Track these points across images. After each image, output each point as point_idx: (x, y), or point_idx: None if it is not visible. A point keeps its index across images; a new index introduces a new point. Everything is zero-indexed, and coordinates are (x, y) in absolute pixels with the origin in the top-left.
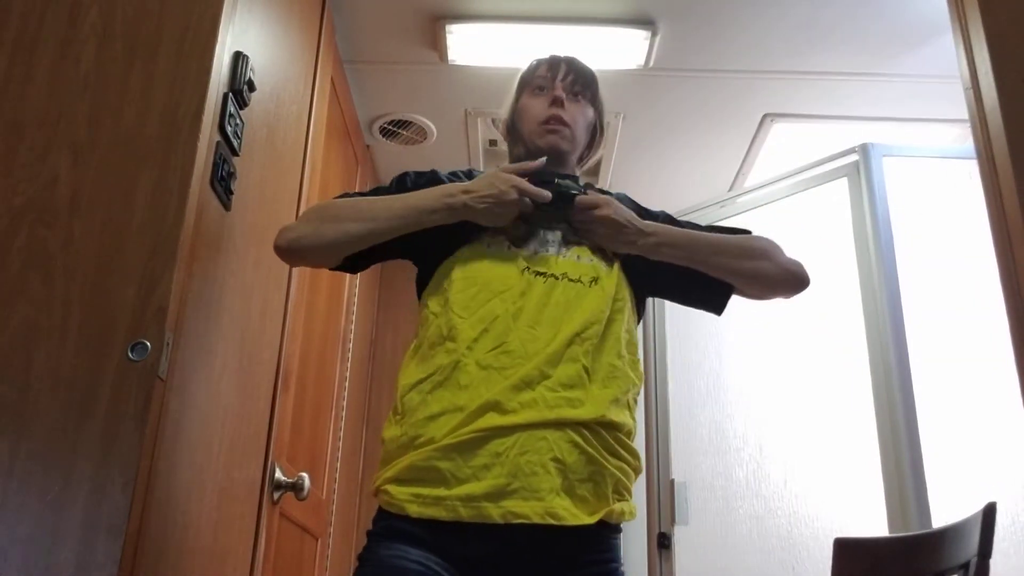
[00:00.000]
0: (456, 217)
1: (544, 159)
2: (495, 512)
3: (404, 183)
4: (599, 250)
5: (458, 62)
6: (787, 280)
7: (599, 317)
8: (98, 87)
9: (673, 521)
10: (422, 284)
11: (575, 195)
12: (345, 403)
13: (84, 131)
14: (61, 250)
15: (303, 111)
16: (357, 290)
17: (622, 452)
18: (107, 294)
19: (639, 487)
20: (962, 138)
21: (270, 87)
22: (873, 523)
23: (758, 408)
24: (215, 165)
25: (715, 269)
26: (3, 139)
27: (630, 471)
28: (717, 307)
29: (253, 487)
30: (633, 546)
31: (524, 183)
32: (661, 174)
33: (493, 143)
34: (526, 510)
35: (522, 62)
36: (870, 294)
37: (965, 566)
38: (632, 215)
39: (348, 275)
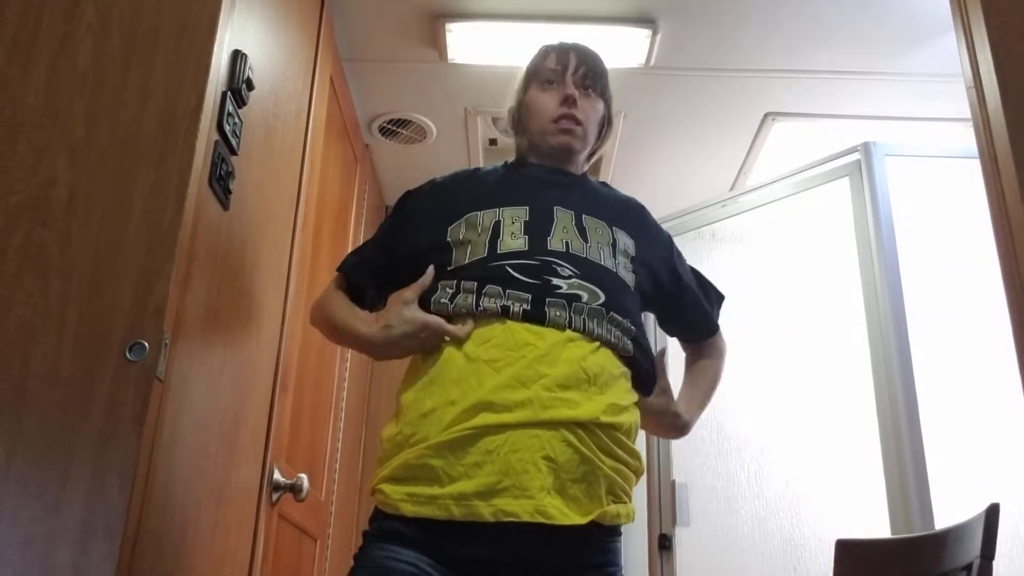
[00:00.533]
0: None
1: (431, 270)
2: (486, 510)
3: (402, 208)
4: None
5: (458, 61)
6: None
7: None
8: (95, 86)
9: (674, 522)
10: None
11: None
12: (344, 404)
13: (81, 130)
14: (58, 250)
15: (302, 110)
16: None
17: (619, 452)
18: (104, 294)
19: (640, 488)
20: (965, 137)
21: (269, 86)
22: (875, 524)
23: (760, 409)
24: (213, 164)
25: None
26: (0, 138)
27: (628, 472)
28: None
29: (251, 488)
30: (634, 547)
31: (441, 326)
32: (662, 173)
33: (493, 142)
34: (516, 508)
35: (523, 61)
36: (872, 294)
37: (968, 567)
38: (671, 412)
39: None
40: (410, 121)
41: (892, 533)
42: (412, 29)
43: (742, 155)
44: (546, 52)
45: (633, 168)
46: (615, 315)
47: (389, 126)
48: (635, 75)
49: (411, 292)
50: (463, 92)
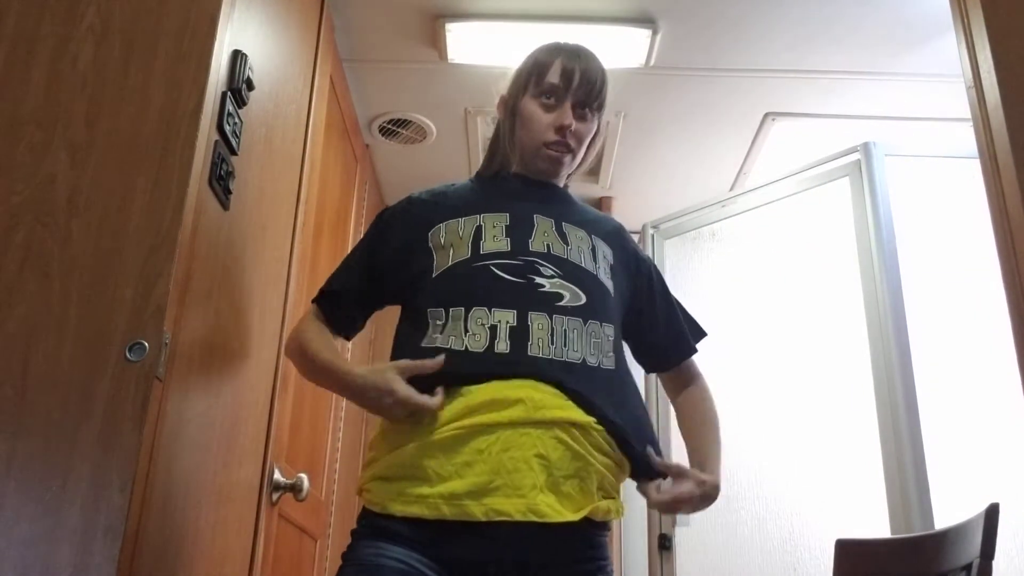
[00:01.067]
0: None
1: (442, 357)
2: (477, 510)
3: (379, 224)
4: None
5: (458, 61)
6: None
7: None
8: (96, 86)
9: (674, 522)
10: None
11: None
12: (344, 403)
13: (82, 130)
14: (59, 250)
15: (302, 110)
16: None
17: (610, 450)
18: (105, 294)
19: None
20: (965, 137)
21: (269, 86)
22: (875, 524)
23: (760, 409)
24: (213, 164)
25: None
26: (1, 138)
27: (617, 469)
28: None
29: (252, 488)
30: (634, 547)
31: (409, 398)
32: (662, 174)
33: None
34: (508, 507)
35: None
36: (872, 294)
37: (968, 567)
38: (699, 483)
39: None
40: (410, 121)
41: (892, 533)
42: (412, 29)
43: (742, 155)
44: (550, 59)
45: (633, 168)
46: (594, 322)
47: (389, 126)
48: (635, 75)
49: (408, 364)
50: (463, 92)
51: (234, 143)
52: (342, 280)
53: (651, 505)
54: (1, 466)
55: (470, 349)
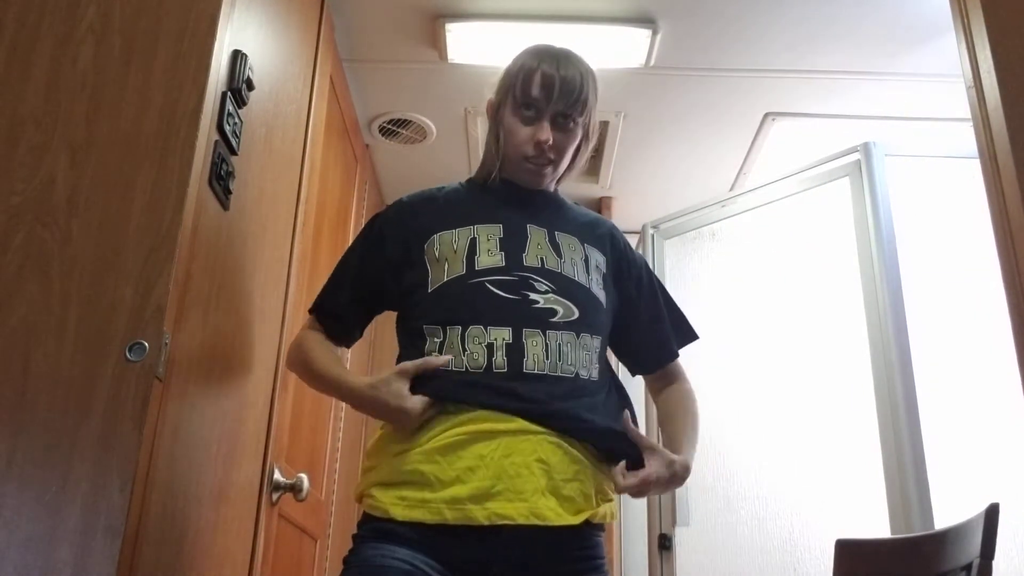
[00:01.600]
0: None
1: (448, 357)
2: (480, 514)
3: (372, 230)
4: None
5: (458, 61)
6: None
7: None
8: (96, 86)
9: (674, 522)
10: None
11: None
12: (344, 403)
13: (82, 130)
14: (59, 250)
15: (302, 110)
16: None
17: (600, 453)
18: (105, 294)
19: None
20: (965, 137)
21: (269, 86)
22: (875, 524)
23: (760, 409)
24: (213, 164)
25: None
26: (1, 138)
27: (610, 473)
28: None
29: (252, 488)
30: (634, 547)
31: (411, 407)
32: (661, 174)
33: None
34: (510, 511)
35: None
36: (872, 294)
37: (968, 567)
38: (668, 463)
39: None
40: (410, 121)
41: (892, 533)
42: (412, 29)
43: (742, 155)
44: (531, 69)
45: (632, 169)
46: (585, 335)
47: (389, 126)
48: (635, 75)
49: (412, 366)
50: (463, 92)
51: (234, 143)
52: (336, 296)
53: (619, 489)
54: (1, 466)
55: (470, 369)
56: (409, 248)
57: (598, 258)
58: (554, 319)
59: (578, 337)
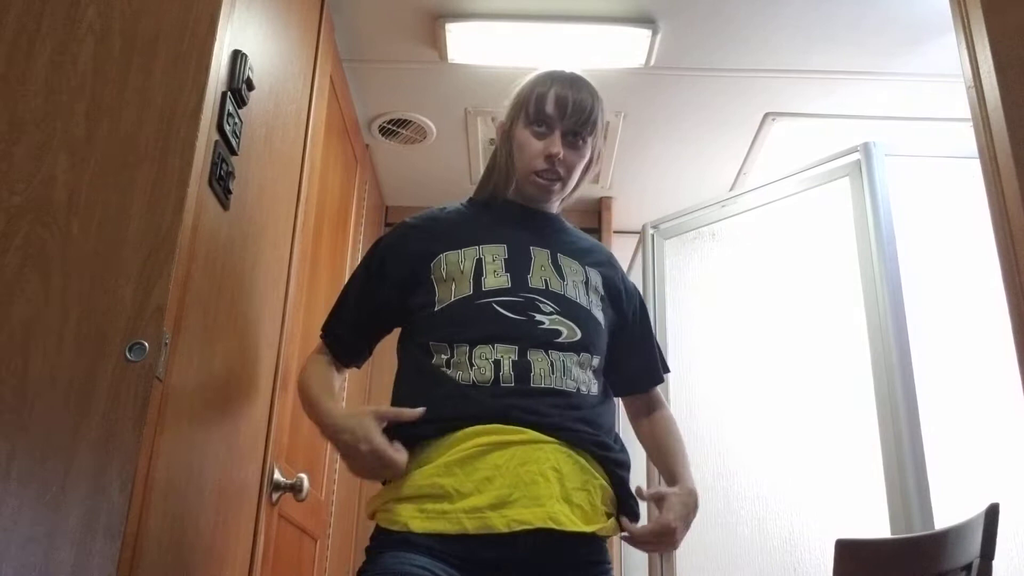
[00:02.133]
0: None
1: (423, 409)
2: (499, 522)
3: (376, 252)
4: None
5: (458, 61)
6: None
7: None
8: (96, 86)
9: None
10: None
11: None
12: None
13: (82, 130)
14: (59, 250)
15: (302, 110)
16: None
17: (604, 470)
18: (105, 294)
19: None
20: (965, 137)
21: (269, 86)
22: (875, 524)
23: (760, 409)
24: (213, 164)
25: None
26: (1, 138)
27: (611, 490)
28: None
29: (252, 488)
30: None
31: (384, 451)
32: (661, 174)
33: (493, 142)
34: (528, 516)
35: (522, 61)
36: (872, 294)
37: (968, 567)
38: (683, 502)
39: (346, 276)
40: (410, 121)
41: (892, 533)
42: (412, 29)
43: (742, 155)
44: (544, 88)
45: (633, 168)
46: (586, 354)
47: (389, 126)
48: (635, 75)
49: (388, 410)
50: (463, 92)
51: (234, 143)
52: (341, 319)
53: (638, 541)
54: (1, 466)
55: (477, 382)
56: (414, 270)
57: (597, 281)
58: (559, 340)
59: (579, 356)
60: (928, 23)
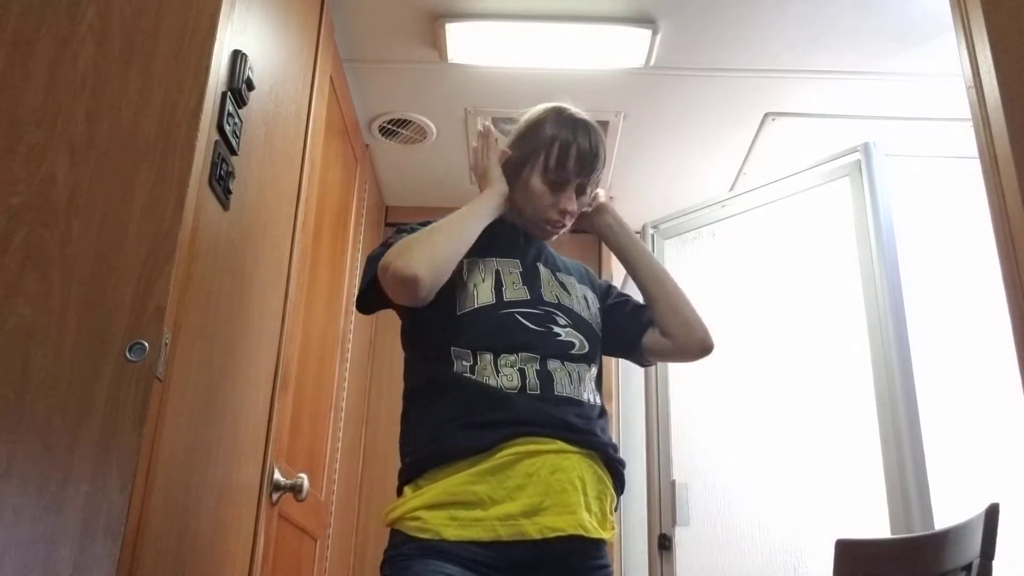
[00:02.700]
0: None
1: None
2: (532, 528)
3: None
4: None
5: (458, 61)
6: (705, 337)
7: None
8: (96, 86)
9: (674, 522)
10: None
11: None
12: (344, 404)
13: (82, 130)
14: (59, 250)
15: (302, 110)
16: (356, 291)
17: (611, 479)
18: (105, 294)
19: (640, 488)
20: (965, 137)
21: (269, 86)
22: (875, 524)
23: (760, 409)
24: (213, 164)
25: (659, 290)
26: (1, 138)
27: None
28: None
29: (252, 488)
30: (634, 548)
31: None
32: (661, 174)
33: None
34: (561, 523)
35: (522, 61)
36: (872, 294)
37: (968, 567)
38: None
39: (346, 276)
40: (410, 121)
41: (892, 533)
42: (412, 29)
43: (742, 155)
44: (567, 143)
45: (632, 169)
46: (593, 366)
47: (389, 126)
48: (635, 75)
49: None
50: (463, 92)
51: (234, 143)
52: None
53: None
54: (1, 466)
55: (504, 388)
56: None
57: (590, 295)
58: (572, 351)
59: (589, 367)
60: (928, 23)
